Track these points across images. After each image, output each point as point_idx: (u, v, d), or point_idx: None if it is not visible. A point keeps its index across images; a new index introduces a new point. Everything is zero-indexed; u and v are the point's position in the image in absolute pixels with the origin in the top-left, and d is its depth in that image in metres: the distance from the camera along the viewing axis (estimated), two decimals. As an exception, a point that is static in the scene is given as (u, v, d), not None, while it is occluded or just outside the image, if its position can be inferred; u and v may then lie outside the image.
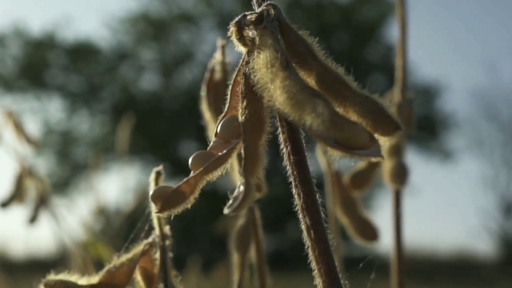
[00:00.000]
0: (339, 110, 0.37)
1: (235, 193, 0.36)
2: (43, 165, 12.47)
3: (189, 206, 0.39)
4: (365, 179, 0.88)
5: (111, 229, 2.33)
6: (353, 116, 0.36)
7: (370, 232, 0.84)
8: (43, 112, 13.20)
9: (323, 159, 0.88)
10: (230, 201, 0.36)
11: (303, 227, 0.38)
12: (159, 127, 12.60)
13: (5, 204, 1.35)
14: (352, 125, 0.34)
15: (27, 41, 12.96)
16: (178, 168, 12.28)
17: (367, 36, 13.10)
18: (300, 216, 0.38)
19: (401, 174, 0.77)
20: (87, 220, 2.20)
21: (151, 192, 0.39)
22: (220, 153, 0.39)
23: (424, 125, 12.60)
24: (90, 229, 2.10)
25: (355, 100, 0.36)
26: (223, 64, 0.64)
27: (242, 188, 0.36)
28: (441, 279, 8.40)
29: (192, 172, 0.39)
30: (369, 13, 13.26)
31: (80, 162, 12.58)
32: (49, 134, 13.00)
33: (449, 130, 13.36)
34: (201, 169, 0.38)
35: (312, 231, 0.38)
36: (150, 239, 0.50)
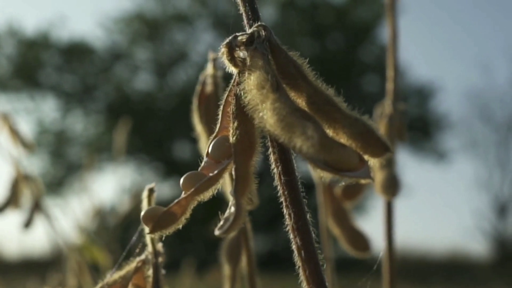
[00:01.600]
0: (329, 131, 0.37)
1: (226, 214, 0.36)
2: (37, 165, 12.45)
3: (180, 227, 0.39)
4: (356, 190, 0.88)
5: (105, 230, 2.33)
6: (343, 138, 0.37)
7: (361, 243, 0.84)
8: (37, 112, 13.18)
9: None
10: (221, 222, 0.36)
11: (293, 247, 0.38)
12: (153, 127, 12.58)
13: (0, 209, 1.34)
14: (341, 148, 0.35)
15: (21, 41, 12.92)
16: (172, 168, 12.27)
17: (361, 36, 13.11)
18: (291, 236, 0.38)
19: (392, 185, 0.77)
20: (81, 220, 2.20)
21: (142, 213, 0.39)
22: (211, 174, 0.39)
23: (418, 125, 12.62)
24: (85, 230, 2.10)
25: (345, 121, 0.36)
26: (215, 77, 0.64)
27: (233, 209, 0.36)
28: (435, 280, 8.41)
29: (183, 192, 0.39)
30: (363, 13, 13.26)
31: (74, 162, 12.56)
32: (43, 134, 12.97)
33: (443, 130, 13.39)
34: (192, 190, 0.38)
35: (302, 252, 0.38)
36: (143, 256, 0.50)
